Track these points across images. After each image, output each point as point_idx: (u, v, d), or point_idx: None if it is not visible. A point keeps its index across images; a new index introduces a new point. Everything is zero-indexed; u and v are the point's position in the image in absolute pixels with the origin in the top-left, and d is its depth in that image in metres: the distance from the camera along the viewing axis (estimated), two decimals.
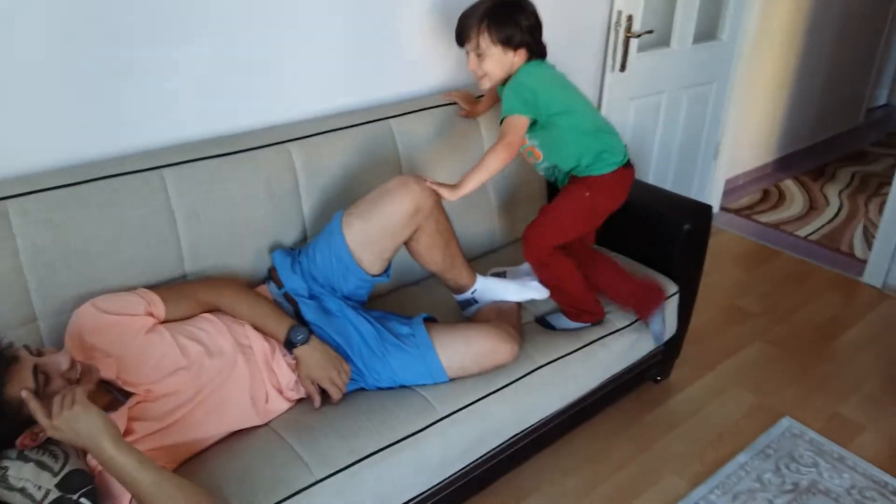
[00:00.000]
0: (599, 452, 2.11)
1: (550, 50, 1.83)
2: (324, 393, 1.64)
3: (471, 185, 1.72)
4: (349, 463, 1.49)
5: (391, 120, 2.07)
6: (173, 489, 1.24)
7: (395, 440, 1.56)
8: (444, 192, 1.70)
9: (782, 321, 2.76)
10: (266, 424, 1.59)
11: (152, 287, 1.61)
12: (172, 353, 1.50)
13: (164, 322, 1.57)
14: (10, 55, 1.52)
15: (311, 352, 1.62)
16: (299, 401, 1.66)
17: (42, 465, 1.27)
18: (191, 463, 1.47)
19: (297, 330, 1.63)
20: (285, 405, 1.63)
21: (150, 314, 1.55)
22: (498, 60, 1.77)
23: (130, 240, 1.62)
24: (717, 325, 2.73)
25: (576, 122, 1.83)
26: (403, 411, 1.61)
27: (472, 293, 1.90)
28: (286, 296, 1.76)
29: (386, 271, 1.79)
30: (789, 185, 4.04)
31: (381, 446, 1.54)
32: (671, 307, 2.12)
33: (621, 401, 2.27)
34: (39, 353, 1.33)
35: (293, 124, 1.95)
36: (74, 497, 1.25)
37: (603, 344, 1.93)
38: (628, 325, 2.00)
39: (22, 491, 1.25)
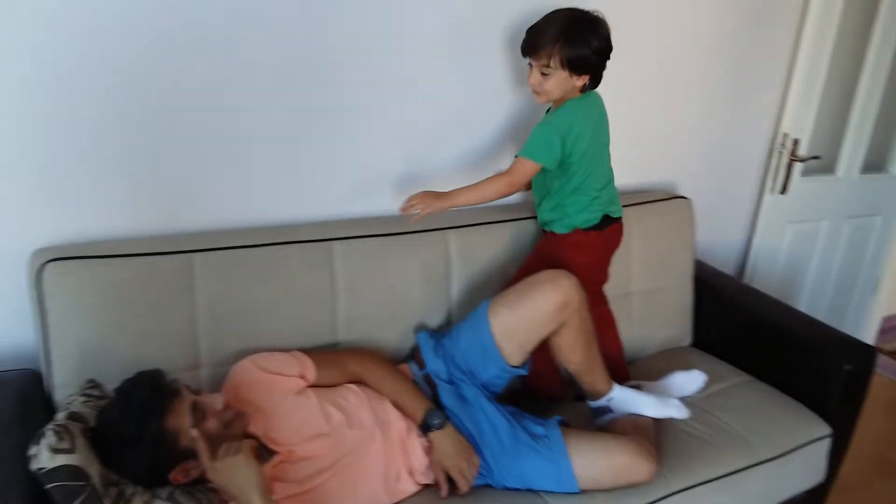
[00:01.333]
0: None
1: (708, 161, 1.79)
2: (451, 482, 1.63)
3: (459, 200, 1.78)
4: None
5: None
6: None
7: None
8: (429, 199, 1.74)
9: None
10: None
11: (305, 351, 1.68)
12: (317, 417, 1.55)
13: (312, 386, 1.63)
14: (221, 121, 1.69)
15: (445, 438, 1.63)
16: (426, 486, 1.66)
17: None
18: None
19: (434, 413, 1.64)
20: (414, 488, 1.63)
21: (302, 377, 1.62)
22: (562, 82, 1.75)
23: (294, 303, 1.72)
24: (866, 476, 2.50)
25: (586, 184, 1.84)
26: None
27: (608, 401, 1.85)
28: (426, 377, 1.79)
29: (524, 364, 1.78)
30: None
31: None
32: (820, 450, 1.97)
33: None
34: (197, 393, 1.43)
35: (452, 213, 2.02)
36: None
37: (749, 474, 1.81)
38: (775, 458, 1.86)
39: None
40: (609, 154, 1.90)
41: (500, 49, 1.99)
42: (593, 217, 1.89)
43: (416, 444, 1.64)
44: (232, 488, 1.29)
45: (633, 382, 1.98)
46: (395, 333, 1.87)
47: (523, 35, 1.77)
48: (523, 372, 1.78)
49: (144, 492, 1.36)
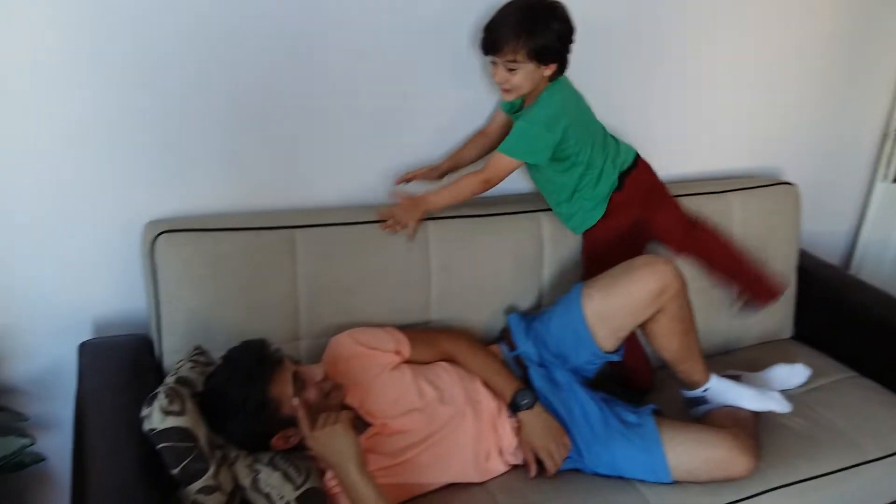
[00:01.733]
0: None
1: (816, 146, 1.70)
2: (540, 464, 1.62)
3: (438, 203, 1.75)
4: None
5: None
6: None
7: None
8: (408, 209, 1.72)
9: None
10: (482, 484, 1.61)
11: (399, 328, 1.71)
12: (411, 393, 1.58)
13: (406, 362, 1.66)
14: (326, 102, 1.73)
15: (534, 418, 1.62)
16: (515, 467, 1.66)
17: (287, 477, 1.38)
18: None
19: (523, 393, 1.64)
20: (503, 468, 1.63)
21: (397, 352, 1.65)
22: (530, 74, 1.66)
23: (390, 282, 1.75)
24: None
25: (587, 173, 1.80)
26: None
27: (704, 391, 1.79)
28: (517, 359, 1.78)
29: (618, 350, 1.75)
30: None
31: None
32: None
33: None
34: (298, 363, 1.48)
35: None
36: None
37: (853, 474, 1.73)
38: (882, 458, 1.77)
39: (267, 497, 1.36)
40: (594, 116, 1.82)
41: None
42: (611, 180, 1.83)
43: (507, 424, 1.64)
44: (330, 457, 1.33)
45: (732, 373, 1.92)
46: (485, 314, 1.88)
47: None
48: (616, 358, 1.75)
49: (247, 456, 1.42)
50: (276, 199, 1.78)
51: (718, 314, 2.11)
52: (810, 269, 2.29)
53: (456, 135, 1.91)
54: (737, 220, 2.13)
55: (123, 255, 1.68)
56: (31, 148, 1.54)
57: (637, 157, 1.88)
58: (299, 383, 1.41)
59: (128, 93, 1.57)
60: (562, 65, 1.71)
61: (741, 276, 2.01)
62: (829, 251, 2.65)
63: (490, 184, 1.74)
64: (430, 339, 1.71)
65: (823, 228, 2.59)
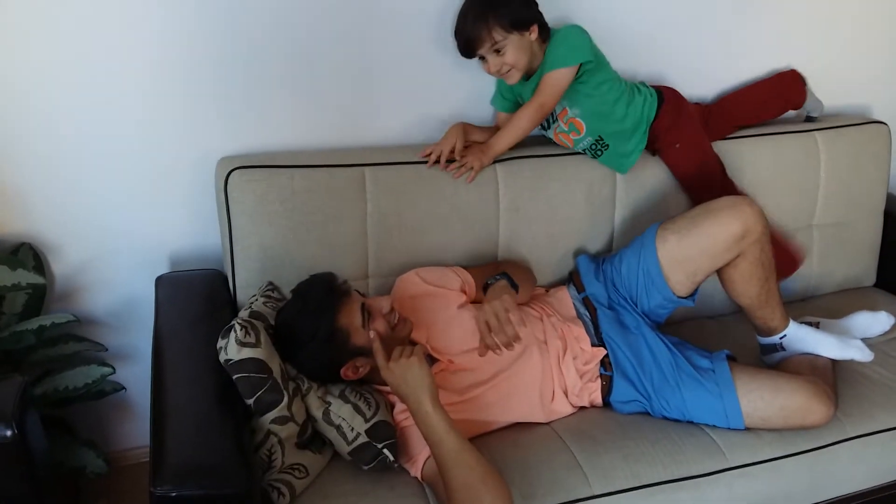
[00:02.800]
0: None
1: None
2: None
3: (502, 146, 1.72)
4: (629, 487, 1.44)
5: (728, 141, 1.97)
6: (473, 461, 1.28)
7: (679, 477, 1.47)
8: (477, 159, 1.69)
9: None
10: (548, 424, 1.60)
11: (466, 267, 1.70)
12: (476, 331, 1.57)
13: (472, 302, 1.65)
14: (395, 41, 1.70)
15: (496, 289, 1.57)
16: (581, 409, 1.65)
17: (357, 409, 1.41)
18: (475, 442, 1.51)
19: (499, 276, 1.61)
20: (569, 409, 1.62)
21: (463, 291, 1.64)
22: (518, 46, 1.63)
23: (458, 221, 1.73)
24: None
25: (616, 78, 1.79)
26: (691, 449, 1.52)
27: (781, 338, 1.73)
28: (585, 300, 1.76)
29: (692, 295, 1.70)
30: None
31: (664, 479, 1.46)
32: None
33: None
34: (365, 296, 1.50)
35: None
36: (379, 446, 1.36)
37: None
38: None
39: (338, 428, 1.39)
40: None
41: None
42: (650, 94, 1.83)
43: (571, 365, 1.63)
44: (404, 389, 1.34)
45: (811, 319, 1.85)
46: (554, 256, 1.85)
47: None
48: (689, 304, 1.70)
49: (319, 388, 1.45)
50: (347, 137, 1.77)
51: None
52: None
53: None
54: (823, 161, 2.03)
55: (198, 192, 1.71)
56: (113, 88, 1.57)
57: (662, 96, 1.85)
58: (367, 314, 1.43)
59: (202, 32, 1.57)
60: (541, 23, 1.68)
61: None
62: None
63: (546, 107, 1.71)
64: (491, 273, 1.69)
65: None
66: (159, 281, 1.65)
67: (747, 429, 1.56)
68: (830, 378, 1.68)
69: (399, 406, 1.47)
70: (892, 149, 2.14)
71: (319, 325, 1.39)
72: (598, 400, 1.64)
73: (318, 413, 1.41)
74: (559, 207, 1.82)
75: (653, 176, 1.89)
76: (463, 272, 1.68)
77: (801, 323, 1.76)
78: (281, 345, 1.43)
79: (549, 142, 1.85)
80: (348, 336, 1.41)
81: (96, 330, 1.79)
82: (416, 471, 1.39)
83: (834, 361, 1.74)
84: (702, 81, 2.04)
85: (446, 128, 1.75)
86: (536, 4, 1.69)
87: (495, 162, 1.76)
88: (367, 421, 1.39)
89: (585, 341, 1.67)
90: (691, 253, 1.61)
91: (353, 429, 1.38)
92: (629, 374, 1.63)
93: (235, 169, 1.58)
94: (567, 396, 1.63)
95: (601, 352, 1.65)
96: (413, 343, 1.50)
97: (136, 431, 1.93)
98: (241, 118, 1.67)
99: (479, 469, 1.27)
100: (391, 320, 1.46)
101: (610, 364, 1.64)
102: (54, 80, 1.53)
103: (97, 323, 1.79)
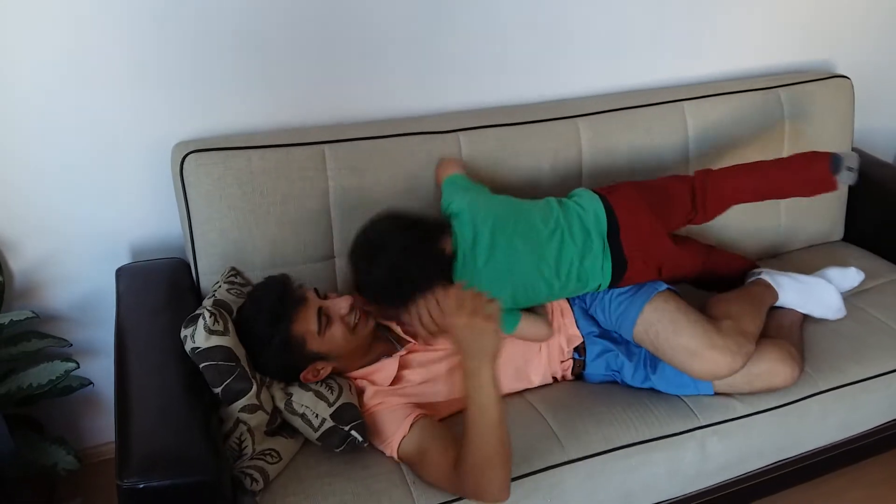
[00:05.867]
0: (865, 501, 1.87)
1: (871, 37, 1.68)
2: None
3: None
4: (602, 450, 1.45)
5: (684, 103, 1.95)
6: (505, 440, 1.25)
7: (652, 437, 1.49)
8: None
9: None
10: (521, 394, 1.60)
11: None
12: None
13: None
14: (351, 15, 1.66)
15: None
16: (554, 381, 1.65)
17: (319, 395, 1.39)
18: (454, 419, 1.49)
19: None
20: (540, 379, 1.62)
21: None
22: None
23: (422, 195, 1.70)
24: None
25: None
26: (663, 412, 1.53)
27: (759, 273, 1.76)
28: None
29: None
30: None
31: (637, 440, 1.48)
32: None
33: None
34: (325, 297, 1.46)
35: (583, 99, 1.93)
36: (346, 429, 1.35)
37: None
38: None
39: (302, 416, 1.37)
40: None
41: None
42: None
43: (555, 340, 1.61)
44: (472, 346, 1.25)
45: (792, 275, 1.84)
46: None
47: None
48: None
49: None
50: (303, 117, 1.73)
51: (767, 218, 2.03)
52: (863, 168, 2.15)
53: (494, 45, 1.83)
54: (787, 116, 2.02)
55: (156, 179, 1.67)
56: (66, 75, 1.52)
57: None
58: (324, 319, 1.40)
59: (154, 16, 1.52)
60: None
61: (790, 186, 1.70)
62: (884, 149, 2.52)
63: None
64: None
65: (878, 124, 2.46)
66: (120, 272, 1.62)
67: (717, 394, 1.57)
68: (797, 338, 1.69)
69: (370, 391, 1.45)
70: (856, 103, 2.14)
71: (274, 334, 1.37)
72: (570, 375, 1.64)
73: (281, 404, 1.40)
74: (525, 175, 1.79)
75: (619, 141, 1.87)
76: None
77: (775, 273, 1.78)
78: (243, 344, 1.39)
79: (515, 109, 1.84)
80: (304, 343, 1.38)
81: (60, 325, 1.75)
82: (391, 451, 1.38)
83: (801, 319, 1.75)
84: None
85: (404, 102, 1.71)
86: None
87: (457, 131, 1.73)
88: (330, 405, 1.37)
89: (570, 317, 1.64)
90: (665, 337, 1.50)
91: (317, 415, 1.36)
92: (602, 353, 1.62)
93: (190, 153, 1.54)
94: (542, 367, 1.62)
95: (578, 338, 1.63)
96: (384, 328, 1.49)
97: (108, 426, 1.91)
98: (195, 102, 1.62)
99: (504, 451, 1.25)
100: (350, 321, 1.43)
101: (584, 349, 1.62)
102: None
103: (60, 318, 1.75)
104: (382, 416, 1.40)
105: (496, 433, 1.24)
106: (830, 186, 1.63)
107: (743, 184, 1.65)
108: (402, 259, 1.42)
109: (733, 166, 1.68)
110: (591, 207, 1.56)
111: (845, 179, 1.62)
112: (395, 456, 1.38)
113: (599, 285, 1.55)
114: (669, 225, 1.63)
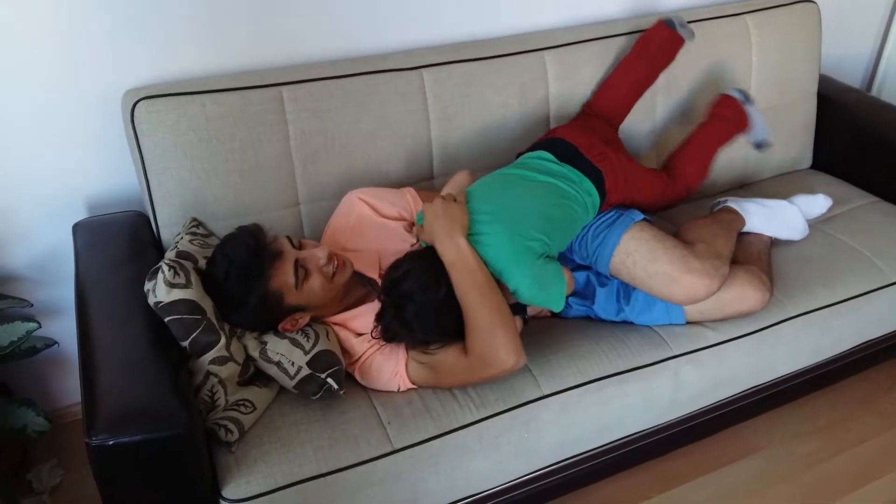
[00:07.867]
0: (839, 422, 1.91)
1: None
2: None
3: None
4: (577, 384, 1.45)
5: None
6: (498, 299, 1.32)
7: (625, 369, 1.49)
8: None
9: None
10: None
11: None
12: None
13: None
14: None
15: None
16: (532, 318, 1.64)
17: (295, 343, 1.36)
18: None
19: None
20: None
21: (402, 218, 1.58)
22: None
23: (388, 136, 1.66)
24: None
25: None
26: (636, 343, 1.54)
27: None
28: None
29: None
30: None
31: (610, 373, 1.48)
32: None
33: (873, 369, 2.02)
34: (300, 246, 1.39)
35: (548, 31, 1.87)
36: (322, 376, 1.33)
37: (872, 298, 1.71)
38: None
39: (278, 364, 1.35)
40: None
41: None
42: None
43: None
44: (438, 224, 1.36)
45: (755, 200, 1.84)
46: (494, 162, 1.78)
47: None
48: None
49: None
50: (259, 59, 1.66)
51: (735, 147, 2.02)
52: (831, 94, 2.17)
53: None
54: (755, 43, 2.00)
55: (108, 130, 1.59)
56: (6, 27, 1.43)
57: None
58: (302, 272, 1.35)
59: None
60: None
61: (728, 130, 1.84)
62: (851, 74, 2.51)
63: None
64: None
65: (844, 51, 2.45)
66: (76, 228, 1.56)
67: (688, 323, 1.58)
68: (765, 263, 1.69)
69: (357, 340, 1.42)
70: (823, 29, 2.12)
71: (250, 292, 1.31)
72: (547, 311, 1.63)
73: (255, 353, 1.37)
74: (491, 112, 1.75)
75: (585, 72, 1.84)
76: (415, 195, 1.61)
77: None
78: (213, 300, 1.34)
79: (479, 44, 1.78)
80: (281, 298, 1.33)
81: (19, 286, 1.70)
82: (403, 381, 1.38)
83: (769, 245, 1.76)
84: None
85: (364, 41, 1.65)
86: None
87: (421, 68, 1.68)
88: (306, 353, 1.35)
89: None
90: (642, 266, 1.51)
91: (293, 363, 1.34)
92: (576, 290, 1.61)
93: (141, 100, 1.47)
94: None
95: None
96: (360, 274, 1.47)
97: (78, 386, 1.86)
98: (144, 46, 1.54)
99: (503, 309, 1.32)
100: (329, 272, 1.38)
101: None
102: None
103: (18, 278, 1.69)
104: (379, 357, 1.40)
105: (490, 294, 1.31)
106: (734, 105, 1.81)
107: (697, 166, 1.80)
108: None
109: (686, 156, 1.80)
110: (547, 156, 1.58)
111: (686, 35, 1.80)
112: (408, 384, 1.39)
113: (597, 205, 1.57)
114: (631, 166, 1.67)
